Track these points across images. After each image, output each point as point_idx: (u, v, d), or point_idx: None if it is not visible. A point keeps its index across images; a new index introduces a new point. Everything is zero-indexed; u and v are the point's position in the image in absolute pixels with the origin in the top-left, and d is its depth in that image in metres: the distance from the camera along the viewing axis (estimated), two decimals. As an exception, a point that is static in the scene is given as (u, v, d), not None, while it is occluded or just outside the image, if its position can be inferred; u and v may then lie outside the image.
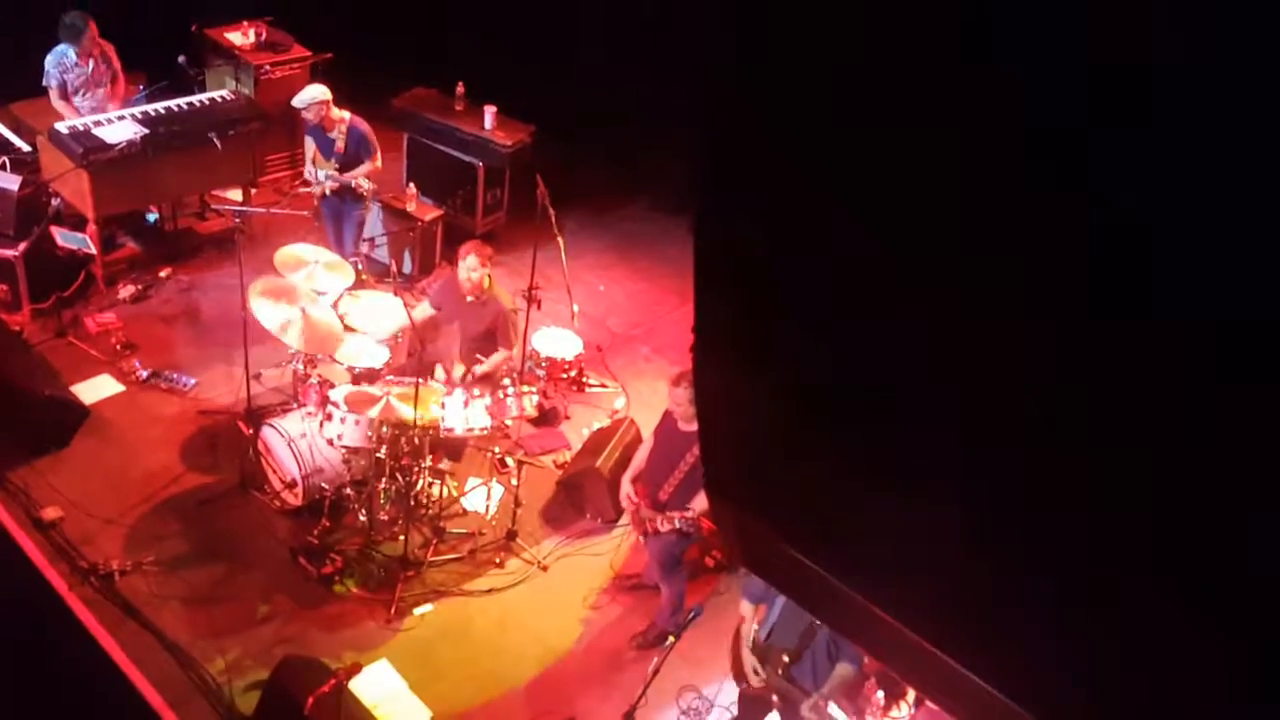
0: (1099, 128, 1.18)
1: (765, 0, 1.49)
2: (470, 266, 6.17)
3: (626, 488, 5.49)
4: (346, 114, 7.29)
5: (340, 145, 7.21)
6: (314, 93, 7.17)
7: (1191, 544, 1.29)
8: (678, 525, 5.18)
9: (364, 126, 7.31)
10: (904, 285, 1.45)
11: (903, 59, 1.34)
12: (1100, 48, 1.15)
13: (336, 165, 7.23)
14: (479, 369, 6.15)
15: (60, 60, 7.64)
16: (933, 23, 1.30)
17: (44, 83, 7.74)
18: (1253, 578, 1.25)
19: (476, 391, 5.80)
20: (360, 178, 7.26)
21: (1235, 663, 1.33)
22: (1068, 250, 1.25)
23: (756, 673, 4.75)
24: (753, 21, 1.49)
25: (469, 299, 6.28)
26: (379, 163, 7.37)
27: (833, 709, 4.67)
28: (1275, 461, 1.16)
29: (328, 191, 7.31)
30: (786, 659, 4.59)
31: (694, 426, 5.08)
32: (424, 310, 6.56)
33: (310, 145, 7.47)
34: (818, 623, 4.51)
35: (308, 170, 7.38)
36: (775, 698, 4.69)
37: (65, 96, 7.73)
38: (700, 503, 5.15)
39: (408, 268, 8.09)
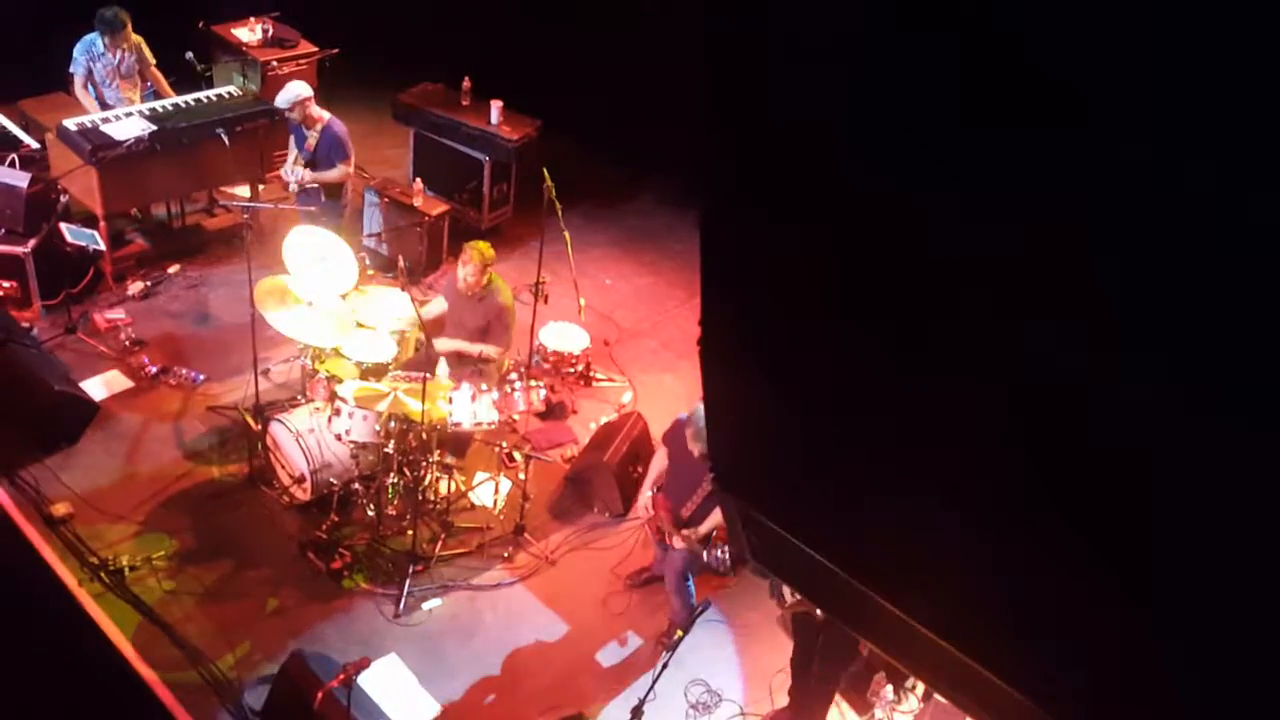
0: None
1: (767, 3, 1.49)
2: (469, 272, 6.22)
3: (647, 499, 5.50)
4: (326, 115, 7.18)
5: (311, 144, 7.14)
6: (296, 90, 7.06)
7: (1202, 556, 1.28)
8: (698, 545, 5.22)
9: (340, 130, 7.17)
10: (909, 284, 1.44)
11: (905, 57, 1.33)
12: None
13: (304, 163, 7.19)
14: (456, 343, 6.17)
15: (89, 48, 7.77)
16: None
17: (70, 69, 7.83)
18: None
19: (484, 386, 5.80)
20: (328, 179, 7.15)
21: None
22: (1066, 260, 1.25)
23: (793, 591, 4.79)
24: (754, 22, 1.48)
25: (470, 294, 6.31)
26: (350, 169, 7.23)
27: None
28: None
29: (292, 186, 7.24)
30: None
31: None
32: (439, 305, 6.57)
33: (292, 142, 7.45)
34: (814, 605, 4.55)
35: (285, 167, 7.33)
36: (818, 611, 4.72)
37: (86, 86, 7.81)
38: (712, 521, 5.19)
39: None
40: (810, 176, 1.48)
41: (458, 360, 6.27)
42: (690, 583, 5.56)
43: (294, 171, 7.21)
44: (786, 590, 4.94)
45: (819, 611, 4.79)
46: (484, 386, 5.81)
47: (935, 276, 1.37)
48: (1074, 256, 1.23)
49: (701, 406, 5.15)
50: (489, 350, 6.34)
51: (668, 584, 5.62)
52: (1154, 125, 1.13)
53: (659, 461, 5.57)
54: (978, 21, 1.25)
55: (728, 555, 5.16)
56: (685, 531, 5.26)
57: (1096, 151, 1.19)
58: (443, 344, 6.20)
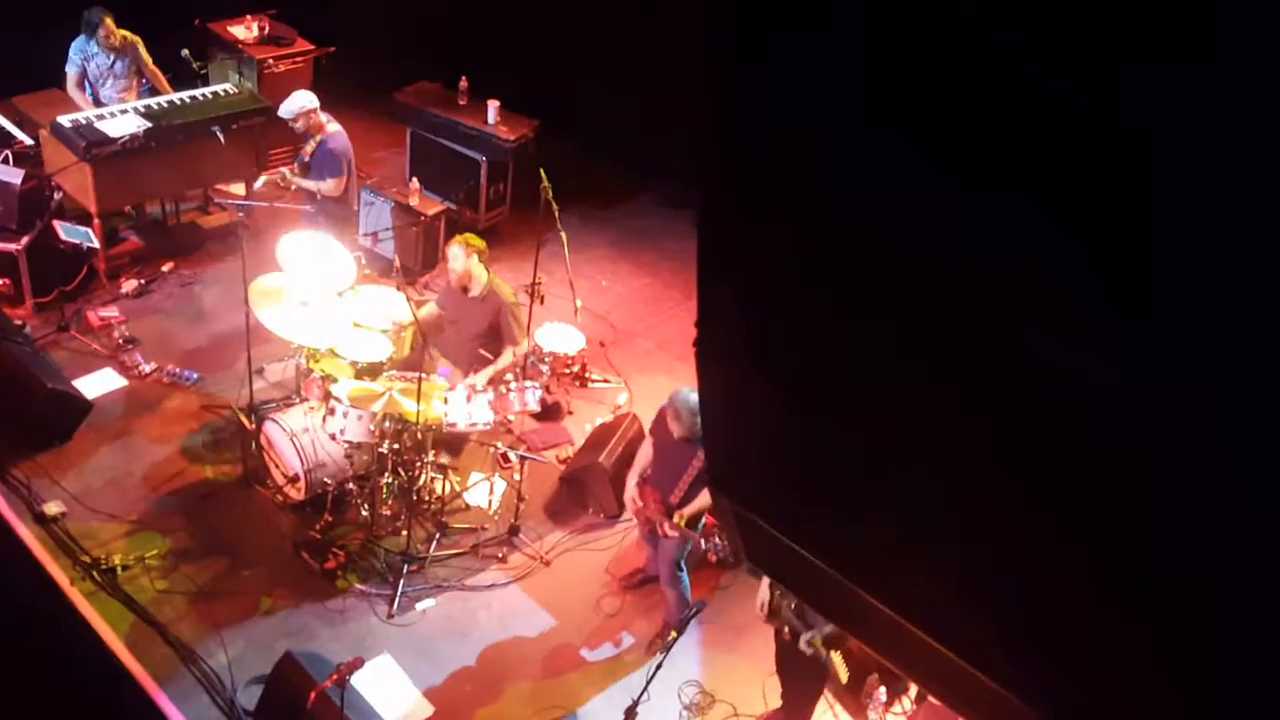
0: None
1: (765, 3, 1.48)
2: (452, 256, 6.17)
3: (631, 490, 5.48)
4: (332, 128, 7.09)
5: (308, 151, 7.10)
6: (300, 102, 6.97)
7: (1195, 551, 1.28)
8: (691, 532, 5.21)
9: (336, 147, 7.05)
10: (908, 284, 1.44)
11: (908, 61, 1.33)
12: None
13: (297, 169, 7.15)
14: (484, 374, 6.12)
15: (83, 49, 7.78)
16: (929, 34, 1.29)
17: (66, 68, 7.84)
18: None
19: (481, 387, 5.80)
20: (314, 189, 7.09)
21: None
22: (1066, 260, 1.25)
23: (762, 607, 4.76)
24: (754, 22, 1.48)
25: (471, 294, 6.27)
26: (340, 187, 7.11)
27: (835, 658, 4.70)
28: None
29: (279, 184, 7.17)
30: None
31: (694, 437, 5.08)
32: (430, 310, 6.54)
33: None
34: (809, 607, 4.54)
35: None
36: (786, 630, 4.70)
37: (81, 85, 7.82)
38: (699, 503, 5.16)
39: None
40: (808, 176, 1.48)
41: (497, 379, 6.19)
42: (684, 574, 5.55)
43: (283, 169, 7.21)
44: (759, 602, 4.86)
45: (787, 629, 4.75)
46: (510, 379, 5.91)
47: (935, 276, 1.37)
48: (1074, 256, 1.22)
49: (684, 389, 5.16)
50: (512, 354, 6.30)
51: (661, 577, 5.62)
52: (1154, 126, 1.13)
53: (644, 453, 5.55)
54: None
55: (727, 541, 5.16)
56: (676, 519, 5.23)
57: (1095, 152, 1.19)
58: (481, 378, 6.13)
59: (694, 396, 5.11)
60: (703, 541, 5.22)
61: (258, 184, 7.27)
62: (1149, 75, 1.12)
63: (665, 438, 5.30)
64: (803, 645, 4.70)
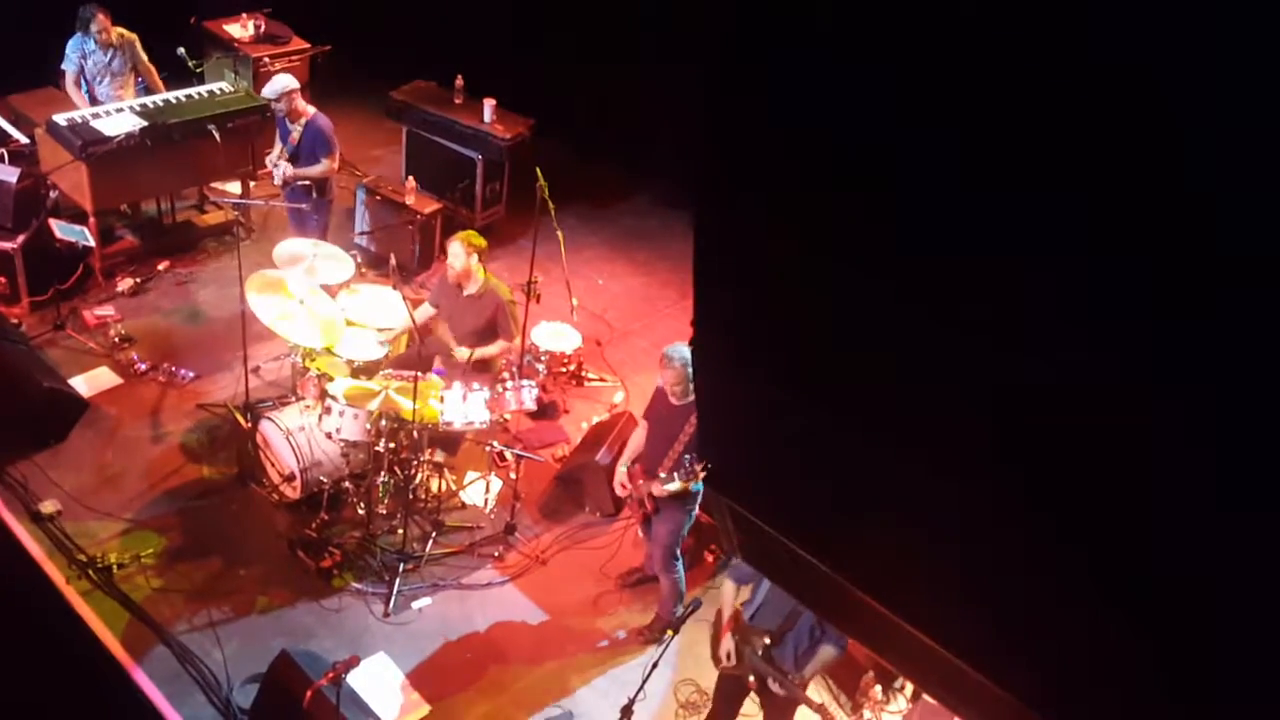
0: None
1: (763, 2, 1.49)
2: (453, 253, 6.17)
3: (622, 474, 5.48)
4: (311, 109, 7.22)
5: (295, 137, 7.16)
6: (283, 82, 7.10)
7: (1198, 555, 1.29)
8: (676, 485, 5.16)
9: (324, 125, 7.19)
10: (906, 284, 1.44)
11: (900, 58, 1.33)
12: None
13: (288, 157, 7.19)
14: (479, 351, 6.16)
15: (80, 47, 7.78)
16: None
17: (62, 66, 7.85)
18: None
19: (476, 385, 5.79)
20: (312, 174, 7.15)
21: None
22: (1067, 264, 1.25)
23: (729, 656, 4.69)
24: (752, 23, 1.48)
25: (466, 292, 6.26)
26: (335, 164, 7.22)
27: (811, 690, 4.65)
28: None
29: (277, 179, 7.24)
30: (768, 641, 4.56)
31: (687, 399, 5.09)
32: (425, 311, 6.54)
33: (278, 137, 7.43)
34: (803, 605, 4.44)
35: (270, 157, 7.33)
36: (751, 678, 4.66)
37: (79, 83, 7.82)
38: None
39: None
40: (807, 177, 1.48)
41: (483, 367, 6.22)
42: (680, 561, 5.54)
43: (278, 165, 7.21)
44: (724, 651, 4.77)
45: (752, 677, 4.64)
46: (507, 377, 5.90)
47: (935, 277, 1.37)
48: (1074, 259, 1.23)
49: (679, 344, 5.14)
50: (506, 347, 6.31)
51: (656, 562, 5.61)
52: (1154, 125, 1.13)
53: (636, 439, 5.55)
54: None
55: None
56: (666, 477, 5.21)
57: (1096, 154, 1.19)
58: (462, 353, 6.15)
59: (684, 349, 5.11)
60: (686, 475, 5.13)
61: (276, 180, 7.28)
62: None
63: (660, 408, 5.30)
64: (774, 687, 4.64)
